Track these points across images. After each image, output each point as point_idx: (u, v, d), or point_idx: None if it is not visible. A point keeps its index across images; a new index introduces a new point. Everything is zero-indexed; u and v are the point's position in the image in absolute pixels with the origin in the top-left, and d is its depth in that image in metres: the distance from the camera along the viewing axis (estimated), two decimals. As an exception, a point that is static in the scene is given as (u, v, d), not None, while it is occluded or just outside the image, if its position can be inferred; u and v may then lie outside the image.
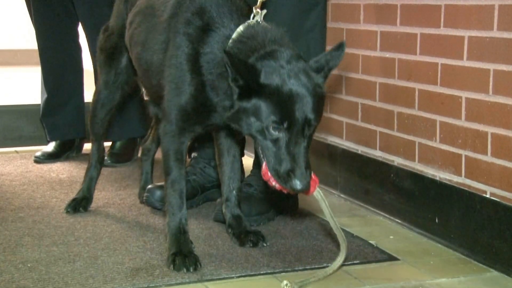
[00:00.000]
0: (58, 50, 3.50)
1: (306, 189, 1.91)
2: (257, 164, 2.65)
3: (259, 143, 1.93)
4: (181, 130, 2.15)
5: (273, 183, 1.93)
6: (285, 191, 1.94)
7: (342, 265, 2.12)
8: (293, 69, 1.91)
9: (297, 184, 1.88)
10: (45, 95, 3.54)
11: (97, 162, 2.73)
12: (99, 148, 2.73)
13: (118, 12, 2.59)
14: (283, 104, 1.88)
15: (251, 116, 1.91)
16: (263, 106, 1.89)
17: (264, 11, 2.10)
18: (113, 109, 2.68)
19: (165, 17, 2.18)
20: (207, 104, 2.09)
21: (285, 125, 1.88)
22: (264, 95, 1.89)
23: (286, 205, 2.67)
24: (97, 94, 2.65)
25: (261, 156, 1.94)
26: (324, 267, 2.13)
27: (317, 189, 1.99)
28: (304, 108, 1.88)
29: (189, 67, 2.09)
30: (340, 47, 2.01)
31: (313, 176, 1.94)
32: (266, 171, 1.94)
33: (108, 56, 2.60)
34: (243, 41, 2.01)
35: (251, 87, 1.89)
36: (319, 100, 1.93)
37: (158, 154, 2.48)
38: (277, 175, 1.90)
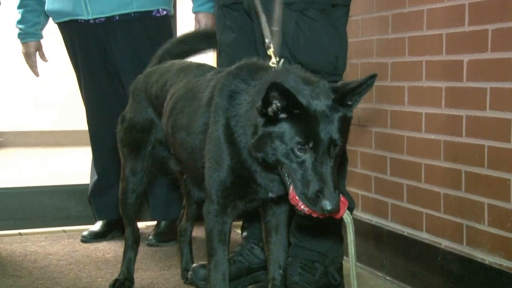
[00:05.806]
0: (108, 132, 3.58)
1: (336, 210, 1.83)
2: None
3: (285, 167, 1.90)
4: (223, 208, 2.16)
5: (302, 206, 1.87)
6: (314, 215, 1.88)
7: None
8: (315, 91, 1.92)
9: (327, 204, 1.82)
10: (95, 177, 3.61)
11: (133, 243, 2.75)
12: (133, 230, 2.75)
13: (139, 105, 2.62)
14: (307, 124, 1.87)
15: (275, 140, 1.90)
16: (288, 129, 1.88)
17: (283, 60, 2.12)
18: (142, 192, 2.70)
19: (206, 100, 2.21)
20: (244, 174, 2.08)
21: (310, 145, 1.86)
22: (288, 117, 1.89)
23: None
24: (125, 181, 2.67)
25: (288, 181, 1.91)
26: None
27: (347, 211, 1.92)
28: (328, 128, 1.87)
29: (225, 137, 2.10)
30: (370, 78, 1.95)
31: (342, 198, 1.89)
32: (293, 195, 1.88)
33: (132, 149, 2.64)
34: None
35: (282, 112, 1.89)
36: (343, 121, 1.91)
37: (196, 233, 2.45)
38: (305, 197, 1.85)
